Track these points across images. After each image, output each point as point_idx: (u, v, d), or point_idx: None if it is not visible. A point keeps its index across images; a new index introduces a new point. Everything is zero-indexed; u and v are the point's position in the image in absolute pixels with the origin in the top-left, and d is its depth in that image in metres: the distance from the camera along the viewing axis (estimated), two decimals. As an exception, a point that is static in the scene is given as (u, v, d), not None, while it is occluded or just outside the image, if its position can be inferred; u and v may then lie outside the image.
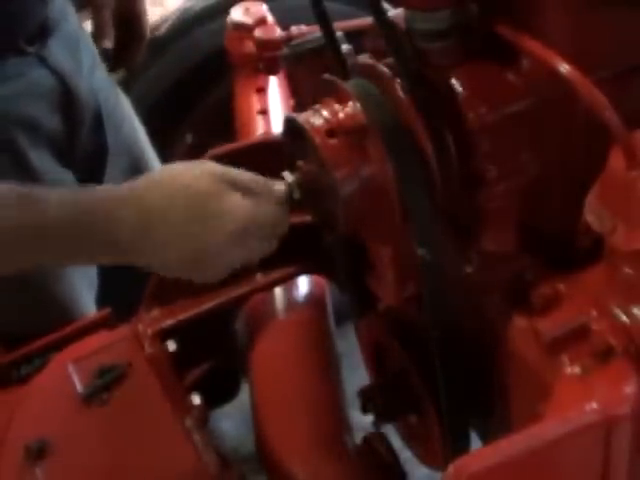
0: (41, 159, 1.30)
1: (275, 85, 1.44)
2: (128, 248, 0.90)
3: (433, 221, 0.84)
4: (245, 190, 0.92)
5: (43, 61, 1.29)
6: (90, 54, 1.40)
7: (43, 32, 1.29)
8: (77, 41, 1.37)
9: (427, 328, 0.90)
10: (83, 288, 1.42)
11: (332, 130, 0.85)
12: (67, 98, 1.33)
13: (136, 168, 1.47)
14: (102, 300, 1.46)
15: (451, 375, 0.91)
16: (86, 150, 1.38)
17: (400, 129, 0.83)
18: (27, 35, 1.26)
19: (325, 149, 0.85)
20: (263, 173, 0.94)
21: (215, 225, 0.90)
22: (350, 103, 0.85)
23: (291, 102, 1.42)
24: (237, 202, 0.90)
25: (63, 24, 1.34)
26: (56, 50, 1.31)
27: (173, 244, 0.90)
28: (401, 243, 0.89)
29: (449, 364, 0.91)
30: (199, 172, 0.92)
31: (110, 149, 1.42)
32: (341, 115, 0.86)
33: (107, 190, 0.97)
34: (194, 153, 1.15)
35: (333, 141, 0.85)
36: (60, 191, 0.94)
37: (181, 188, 0.90)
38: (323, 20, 0.94)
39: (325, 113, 0.86)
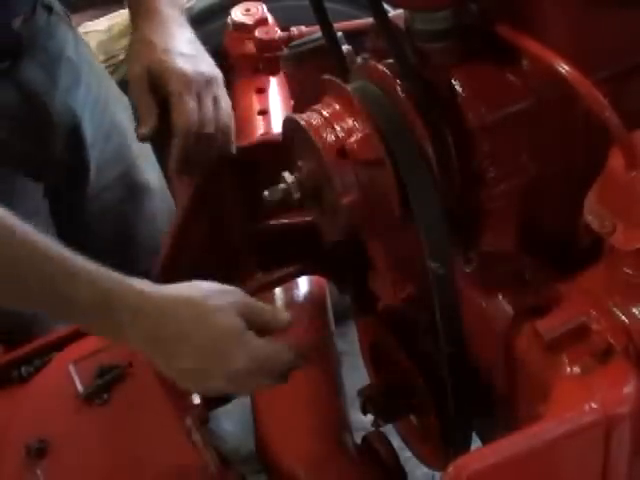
0: (5, 178, 1.29)
1: (275, 85, 1.44)
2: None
3: (445, 234, 0.82)
4: (262, 327, 0.96)
5: (12, 80, 1.28)
6: (72, 71, 1.38)
7: (15, 50, 1.28)
8: (57, 59, 1.35)
9: (434, 337, 0.89)
10: None
11: (344, 152, 0.84)
12: (36, 117, 1.32)
13: (128, 175, 1.48)
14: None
15: (460, 386, 0.90)
16: (62, 165, 1.38)
17: (401, 130, 0.83)
18: None
19: (335, 168, 0.84)
20: (263, 173, 0.93)
21: (224, 363, 0.93)
22: (360, 121, 0.84)
23: (291, 102, 1.42)
24: (252, 343, 0.94)
25: (43, 41, 1.32)
26: (28, 69, 1.30)
27: (183, 358, 0.92)
28: (400, 243, 0.89)
29: (459, 377, 0.90)
30: (226, 304, 0.94)
31: (97, 159, 1.42)
32: (354, 137, 0.84)
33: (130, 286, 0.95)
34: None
35: (344, 161, 0.84)
36: (89, 269, 0.92)
37: (203, 318, 0.93)
38: (323, 20, 0.94)
39: (325, 113, 0.86)
